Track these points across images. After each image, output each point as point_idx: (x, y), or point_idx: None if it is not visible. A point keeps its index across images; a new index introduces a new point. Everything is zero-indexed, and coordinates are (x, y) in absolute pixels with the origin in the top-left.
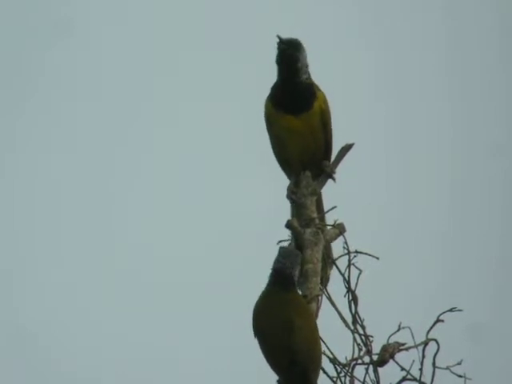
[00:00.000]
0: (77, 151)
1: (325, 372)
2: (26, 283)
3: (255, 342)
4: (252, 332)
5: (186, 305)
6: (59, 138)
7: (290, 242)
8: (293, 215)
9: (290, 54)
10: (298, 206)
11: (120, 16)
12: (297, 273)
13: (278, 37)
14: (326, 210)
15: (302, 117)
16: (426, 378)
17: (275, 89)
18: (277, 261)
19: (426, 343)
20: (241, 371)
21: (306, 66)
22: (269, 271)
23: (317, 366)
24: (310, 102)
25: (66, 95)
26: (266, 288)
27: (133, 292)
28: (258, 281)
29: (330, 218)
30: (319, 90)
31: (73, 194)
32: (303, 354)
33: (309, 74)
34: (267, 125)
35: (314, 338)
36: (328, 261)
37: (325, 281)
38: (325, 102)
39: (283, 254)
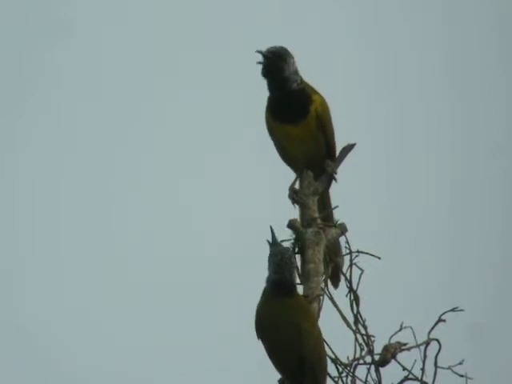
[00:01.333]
0: (77, 151)
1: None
2: (26, 283)
3: (255, 342)
4: (256, 334)
5: (185, 305)
6: (59, 138)
7: (291, 241)
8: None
9: (275, 66)
10: (299, 206)
11: (120, 16)
12: (295, 274)
13: (260, 52)
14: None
15: (300, 125)
16: (428, 377)
17: (270, 100)
18: (274, 271)
19: (427, 343)
20: (241, 371)
21: (295, 73)
22: (267, 277)
23: (324, 370)
24: (305, 108)
25: (66, 95)
26: (269, 294)
27: (133, 292)
28: (260, 281)
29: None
30: (315, 92)
31: (73, 193)
32: (314, 360)
33: (300, 79)
34: (268, 131)
35: (321, 343)
36: (332, 261)
37: (335, 280)
38: (322, 104)
39: (279, 263)
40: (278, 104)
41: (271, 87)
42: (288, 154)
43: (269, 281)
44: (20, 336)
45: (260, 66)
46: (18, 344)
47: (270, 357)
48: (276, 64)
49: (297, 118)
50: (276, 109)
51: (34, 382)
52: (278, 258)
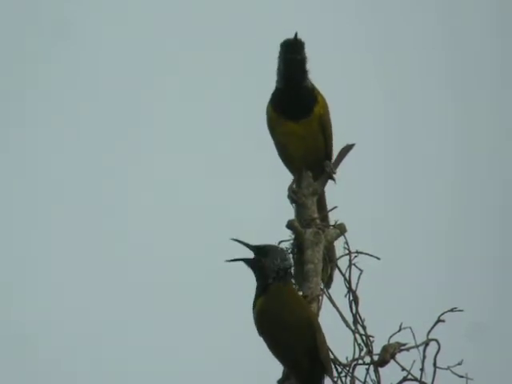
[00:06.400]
0: (76, 151)
1: None
2: (25, 283)
3: (255, 343)
4: (257, 331)
5: (185, 304)
6: (59, 138)
7: (290, 242)
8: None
9: (300, 60)
10: (298, 206)
11: (119, 17)
12: None
13: (292, 39)
14: (328, 210)
15: (302, 123)
16: (427, 378)
17: (276, 94)
18: (284, 258)
19: (426, 343)
20: (241, 371)
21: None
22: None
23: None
24: (310, 108)
25: (66, 95)
26: (278, 288)
27: (133, 292)
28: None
29: (330, 218)
30: (319, 94)
31: (72, 193)
32: (324, 352)
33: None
34: (269, 129)
35: (323, 334)
36: (330, 262)
37: (327, 281)
38: (324, 106)
39: (281, 253)
40: (285, 98)
41: (286, 81)
42: (287, 152)
43: (275, 274)
44: (20, 336)
45: (283, 57)
46: (18, 344)
47: (277, 351)
48: (304, 51)
49: (299, 115)
50: (281, 103)
51: (34, 382)
52: (279, 249)
